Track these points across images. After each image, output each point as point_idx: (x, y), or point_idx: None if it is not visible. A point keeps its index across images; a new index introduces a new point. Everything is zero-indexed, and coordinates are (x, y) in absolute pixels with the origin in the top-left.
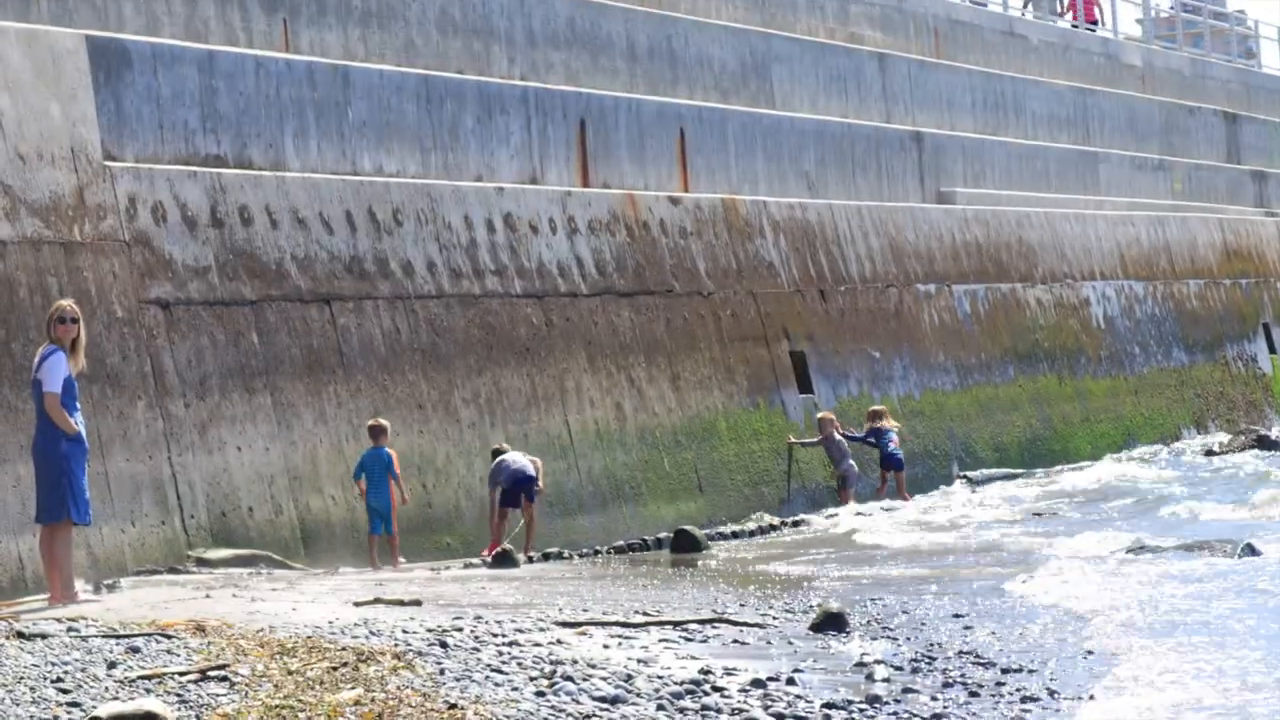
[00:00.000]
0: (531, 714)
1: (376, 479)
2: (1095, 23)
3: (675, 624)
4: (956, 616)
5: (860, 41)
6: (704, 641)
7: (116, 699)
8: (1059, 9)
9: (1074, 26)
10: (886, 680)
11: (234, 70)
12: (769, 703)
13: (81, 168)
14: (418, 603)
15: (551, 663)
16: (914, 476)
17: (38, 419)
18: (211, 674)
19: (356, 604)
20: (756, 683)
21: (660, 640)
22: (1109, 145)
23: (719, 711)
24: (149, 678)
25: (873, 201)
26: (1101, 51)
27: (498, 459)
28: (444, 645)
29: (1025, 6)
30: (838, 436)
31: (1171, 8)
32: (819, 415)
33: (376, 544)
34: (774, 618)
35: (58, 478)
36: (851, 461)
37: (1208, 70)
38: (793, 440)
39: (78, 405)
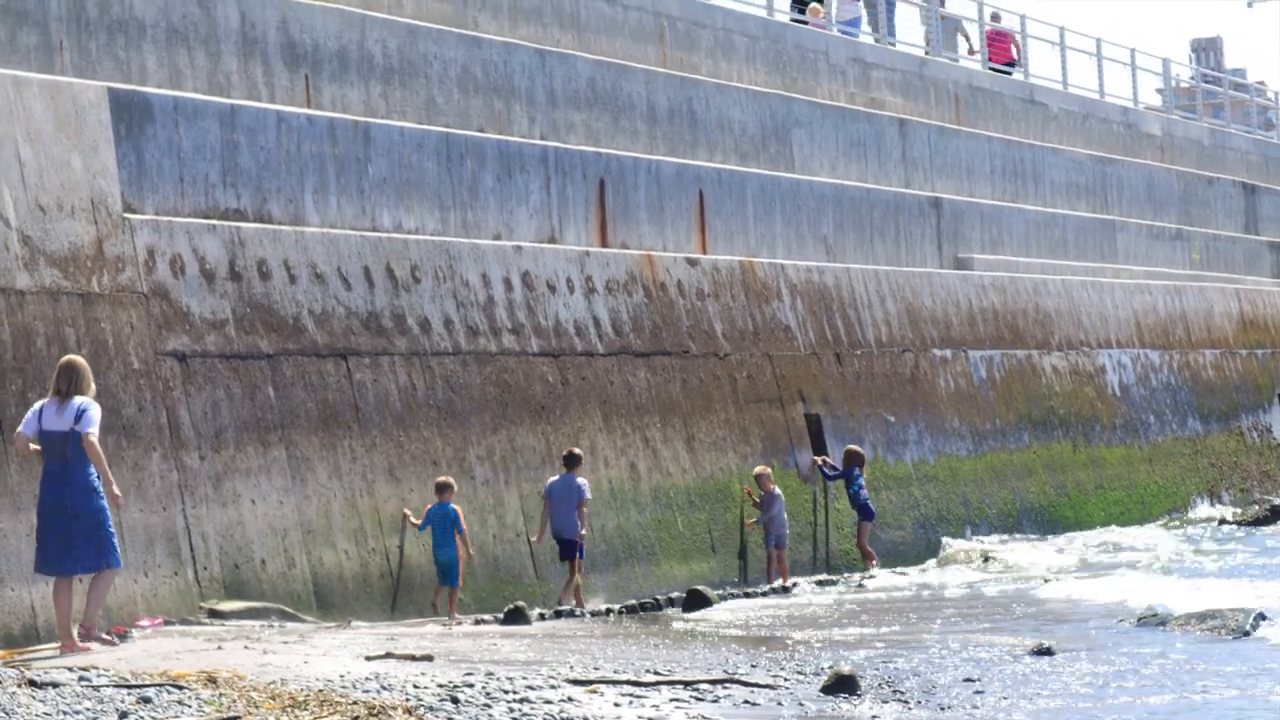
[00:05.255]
0: None
1: (441, 534)
2: (1012, 63)
3: (686, 684)
4: (968, 680)
5: (881, 107)
6: (715, 701)
7: None
8: (969, 50)
9: (990, 69)
10: None
11: (255, 125)
12: None
13: (101, 219)
14: (429, 658)
15: None
16: (929, 541)
17: (59, 472)
18: None
19: (368, 658)
20: None
21: (671, 700)
22: (1127, 214)
23: None
24: None
25: (890, 266)
26: (1121, 120)
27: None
28: (455, 701)
29: (927, 46)
30: (776, 492)
31: (1192, 78)
32: (755, 471)
33: (442, 595)
34: (785, 679)
35: (95, 528)
36: (785, 520)
37: (1227, 141)
38: (749, 492)
39: None
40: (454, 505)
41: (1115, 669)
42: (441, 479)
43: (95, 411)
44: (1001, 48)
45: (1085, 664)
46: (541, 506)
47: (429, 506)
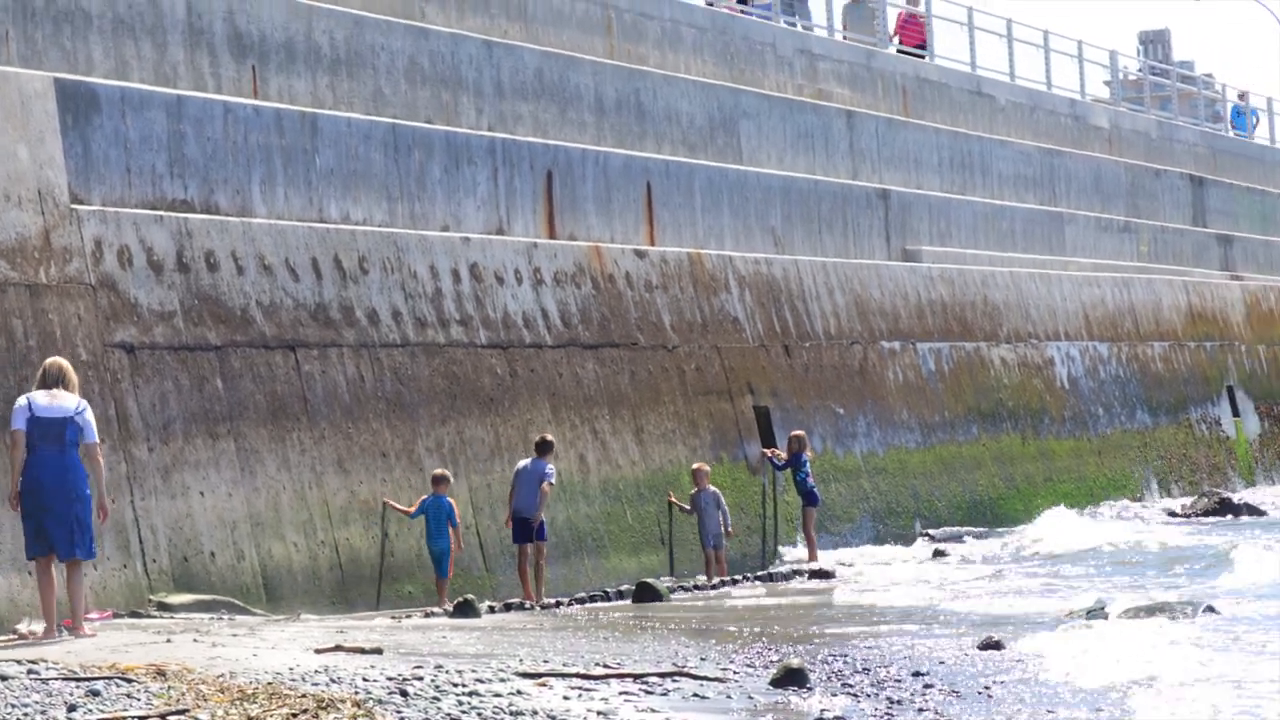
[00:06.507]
0: None
1: (435, 526)
2: (923, 47)
3: (636, 676)
4: (916, 675)
5: (829, 99)
6: (664, 695)
7: None
8: (888, 34)
9: (900, 52)
10: None
11: (202, 115)
12: None
13: (48, 210)
14: (379, 651)
15: (511, 713)
16: (876, 534)
17: (58, 456)
18: (171, 719)
19: (317, 651)
20: None
21: (620, 693)
22: (1075, 206)
23: None
24: None
25: (838, 258)
26: (1069, 113)
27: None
28: (404, 694)
29: (844, 29)
30: (711, 489)
31: (1140, 70)
32: (694, 466)
33: (443, 587)
34: (735, 672)
35: (87, 516)
36: (720, 520)
37: (1175, 133)
38: (672, 499)
39: None
40: (449, 498)
41: (1064, 658)
42: (438, 471)
43: (92, 415)
44: (914, 31)
45: (1033, 655)
46: (509, 489)
47: (423, 497)
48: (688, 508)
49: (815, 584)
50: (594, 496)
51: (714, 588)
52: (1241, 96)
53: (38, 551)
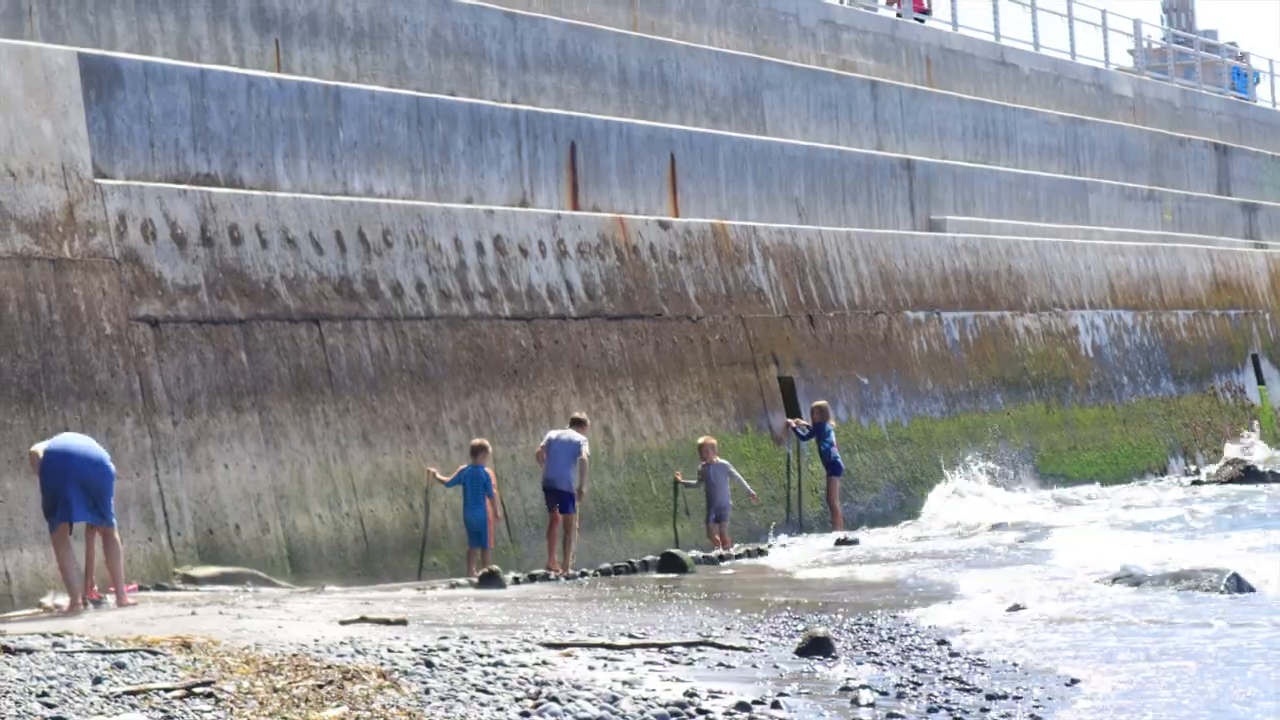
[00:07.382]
0: None
1: (472, 496)
2: (926, 12)
3: (661, 646)
4: (941, 643)
5: (852, 69)
6: (689, 664)
7: (101, 714)
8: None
9: (899, 16)
10: (871, 705)
11: (225, 89)
12: None
13: (72, 185)
14: (404, 622)
15: (537, 683)
16: (900, 503)
17: (86, 446)
18: (197, 690)
19: (342, 622)
20: (741, 706)
21: (646, 662)
22: (1099, 175)
23: None
24: (134, 693)
25: (863, 229)
26: (1093, 82)
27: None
28: (429, 665)
29: None
30: (720, 461)
31: (1163, 39)
32: (700, 441)
33: (475, 558)
34: (760, 641)
35: (107, 487)
36: (728, 494)
37: (1199, 102)
38: (679, 478)
39: None
40: (486, 469)
41: (1088, 621)
42: (478, 441)
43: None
44: None
45: (1059, 618)
46: (540, 457)
47: (461, 467)
48: (692, 482)
49: (841, 553)
50: (619, 467)
51: (721, 559)
52: (1240, 58)
53: (65, 517)
